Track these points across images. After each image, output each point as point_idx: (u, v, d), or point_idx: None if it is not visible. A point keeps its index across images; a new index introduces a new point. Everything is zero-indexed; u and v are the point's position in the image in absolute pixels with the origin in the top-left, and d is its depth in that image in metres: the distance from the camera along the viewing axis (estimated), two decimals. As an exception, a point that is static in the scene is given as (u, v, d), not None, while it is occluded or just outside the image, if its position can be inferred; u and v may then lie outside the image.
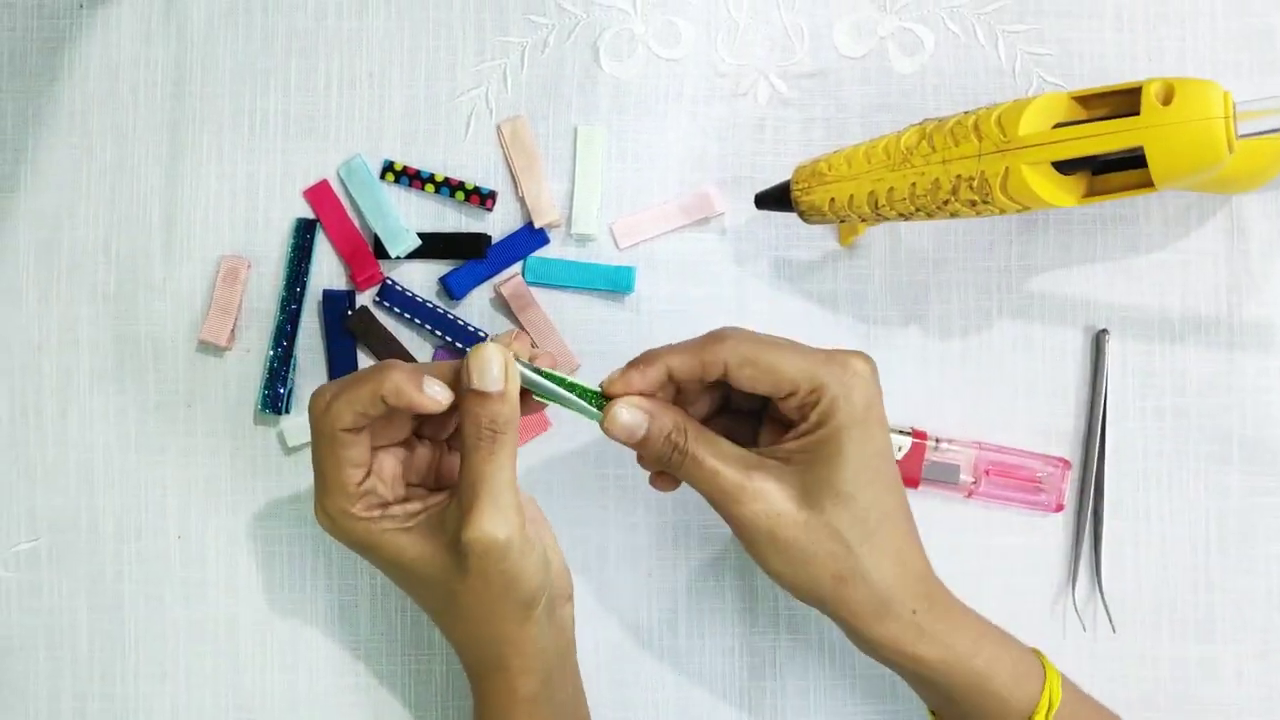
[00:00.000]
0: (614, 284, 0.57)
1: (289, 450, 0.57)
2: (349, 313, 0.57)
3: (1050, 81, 0.58)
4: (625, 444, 0.47)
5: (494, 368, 0.44)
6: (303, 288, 0.57)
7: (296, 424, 0.57)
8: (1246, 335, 0.58)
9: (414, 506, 0.47)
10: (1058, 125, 0.47)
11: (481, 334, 0.57)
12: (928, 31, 0.58)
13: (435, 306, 0.57)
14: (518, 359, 0.46)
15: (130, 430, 0.57)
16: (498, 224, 0.58)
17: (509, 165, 0.58)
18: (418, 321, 0.57)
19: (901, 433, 0.56)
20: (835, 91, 0.58)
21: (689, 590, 0.58)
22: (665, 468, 0.48)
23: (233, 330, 0.57)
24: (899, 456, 0.56)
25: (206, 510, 0.57)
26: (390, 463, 0.48)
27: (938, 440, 0.57)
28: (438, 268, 0.58)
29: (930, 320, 0.58)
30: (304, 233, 0.57)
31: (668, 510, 0.58)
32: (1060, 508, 0.57)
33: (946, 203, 0.49)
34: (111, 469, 0.57)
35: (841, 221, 0.53)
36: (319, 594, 0.57)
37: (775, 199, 0.54)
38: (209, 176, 0.57)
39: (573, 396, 0.47)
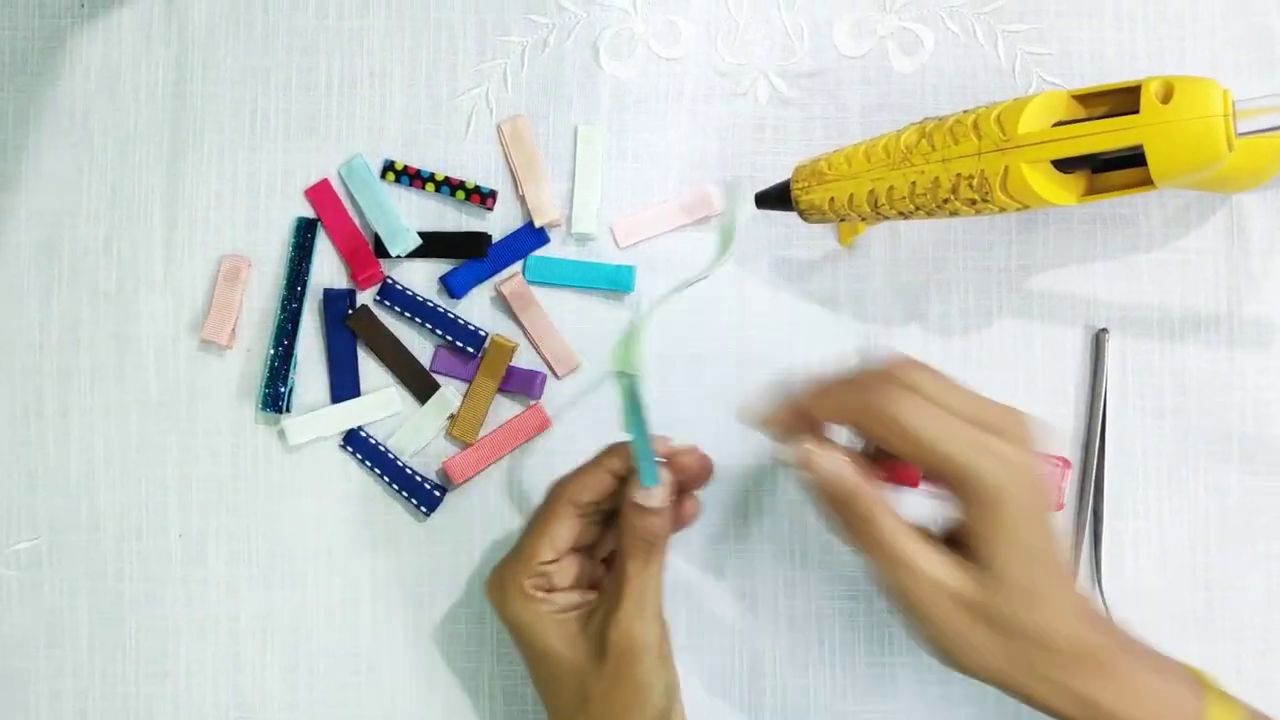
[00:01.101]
0: (614, 283, 0.57)
1: (290, 449, 0.57)
2: (350, 312, 0.57)
3: (1050, 81, 0.58)
4: (796, 469, 0.46)
5: (661, 488, 0.48)
6: (303, 287, 0.57)
7: (297, 423, 0.57)
8: (1246, 334, 0.58)
9: (574, 599, 0.50)
10: (1057, 124, 0.47)
11: (482, 333, 0.57)
12: (927, 31, 0.58)
13: (436, 305, 0.57)
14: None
15: (131, 429, 0.57)
16: (498, 223, 0.58)
17: (509, 164, 0.58)
18: (418, 320, 0.57)
19: (902, 431, 0.57)
20: (835, 91, 0.58)
21: (689, 589, 0.57)
22: (831, 521, 0.47)
23: (233, 329, 0.57)
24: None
25: (207, 509, 0.57)
26: (573, 563, 0.51)
27: (938, 439, 0.57)
28: (438, 267, 0.58)
29: (930, 319, 0.58)
30: (305, 232, 0.57)
31: (668, 509, 0.58)
32: (1060, 506, 0.57)
33: (946, 201, 0.49)
34: (112, 468, 0.57)
35: (841, 220, 0.53)
36: (320, 593, 0.57)
37: (775, 198, 0.54)
38: (210, 176, 0.57)
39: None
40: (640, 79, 0.58)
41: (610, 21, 0.58)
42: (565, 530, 0.50)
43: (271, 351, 0.57)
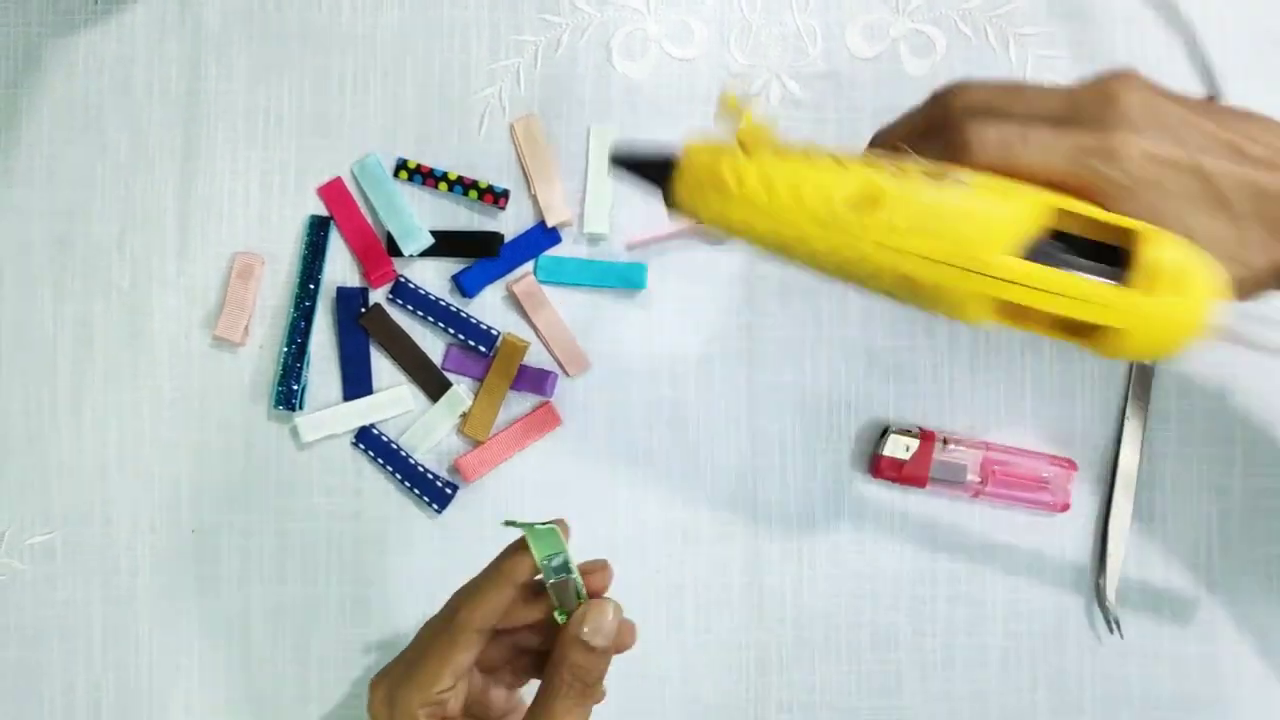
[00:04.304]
0: (626, 281, 0.58)
1: (302, 446, 0.57)
2: (362, 310, 0.57)
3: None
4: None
5: (609, 627, 0.44)
6: (316, 285, 0.57)
7: (310, 420, 0.57)
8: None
9: None
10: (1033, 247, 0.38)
11: (494, 332, 0.57)
12: (939, 33, 0.58)
13: (448, 304, 0.57)
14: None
15: (144, 425, 0.58)
16: (510, 222, 0.58)
17: (521, 164, 0.58)
18: (430, 319, 0.57)
19: (909, 433, 0.57)
20: (847, 93, 0.58)
21: (696, 586, 0.58)
22: None
23: (246, 327, 0.57)
24: (907, 456, 0.57)
25: (220, 505, 0.58)
26: (463, 684, 0.46)
27: (945, 440, 0.57)
28: (450, 265, 0.58)
29: (938, 320, 0.58)
30: (318, 230, 0.57)
31: (677, 508, 0.58)
32: (1066, 508, 0.58)
33: (869, 278, 0.40)
34: (125, 463, 0.57)
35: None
36: (331, 588, 0.58)
37: (642, 170, 0.41)
38: (223, 173, 0.58)
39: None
40: (653, 79, 0.58)
41: (623, 21, 0.58)
42: (467, 656, 0.45)
43: (284, 349, 0.57)
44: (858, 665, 0.58)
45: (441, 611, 0.46)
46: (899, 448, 0.57)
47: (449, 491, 0.57)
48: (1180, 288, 0.38)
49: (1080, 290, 0.38)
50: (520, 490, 0.58)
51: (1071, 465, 0.58)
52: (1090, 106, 0.41)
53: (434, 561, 0.58)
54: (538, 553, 0.44)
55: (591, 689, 0.44)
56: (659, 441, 0.58)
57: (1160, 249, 0.38)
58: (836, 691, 0.58)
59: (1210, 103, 0.43)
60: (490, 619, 0.45)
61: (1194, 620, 0.58)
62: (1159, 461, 0.58)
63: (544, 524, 0.43)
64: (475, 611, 0.45)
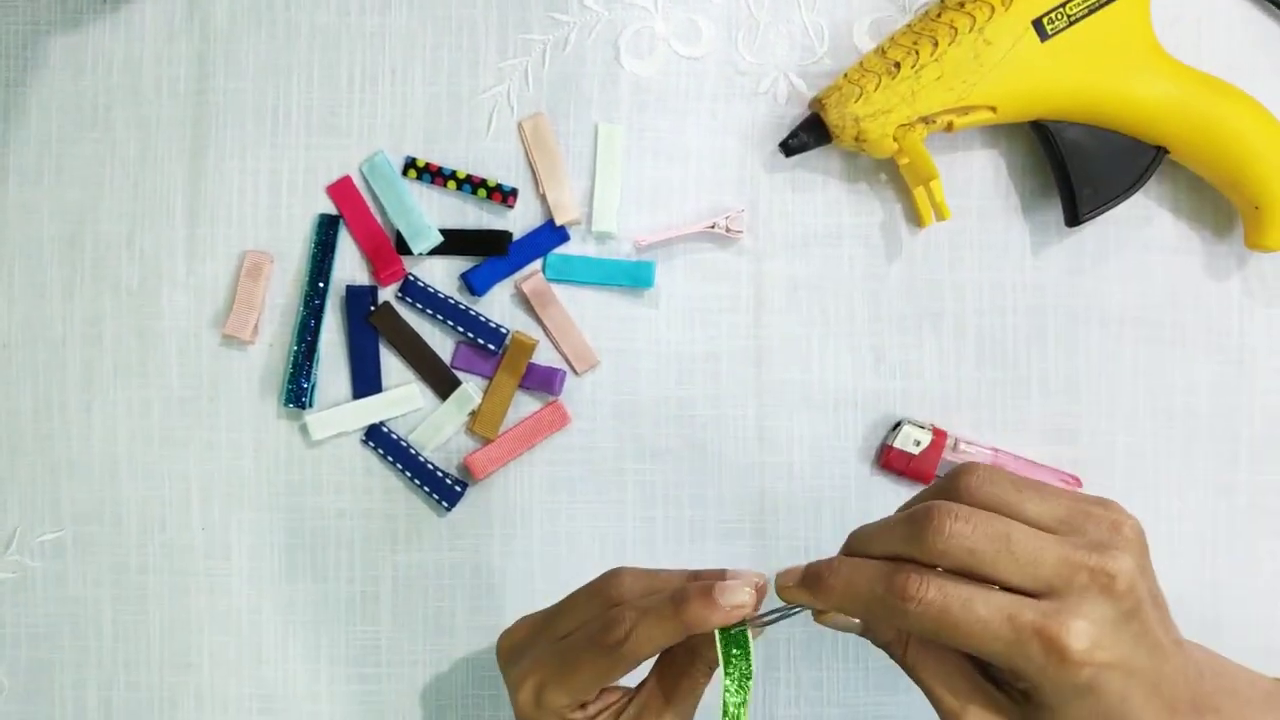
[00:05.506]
0: (634, 279, 0.58)
1: (312, 444, 0.58)
2: (372, 308, 0.57)
3: (1067, 82, 0.58)
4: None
5: (743, 598, 0.44)
6: (326, 283, 0.57)
7: (320, 418, 0.57)
8: (1257, 335, 0.59)
9: (603, 703, 0.48)
10: None
11: (503, 330, 0.57)
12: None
13: (457, 303, 0.57)
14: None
15: (154, 424, 0.58)
16: (519, 221, 0.58)
17: (530, 162, 0.58)
18: (439, 317, 0.57)
19: (922, 428, 0.57)
20: (854, 91, 0.58)
21: (705, 583, 0.58)
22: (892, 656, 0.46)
23: (256, 325, 0.57)
24: (916, 451, 0.57)
25: (230, 503, 0.58)
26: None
27: (956, 441, 0.57)
28: (459, 264, 0.58)
29: (945, 318, 0.59)
30: (327, 228, 0.57)
31: (684, 505, 0.58)
32: (1072, 504, 0.58)
33: (939, 15, 0.54)
34: (135, 462, 0.58)
35: (860, 139, 0.55)
36: (341, 585, 0.58)
37: (805, 133, 0.56)
38: (232, 172, 0.58)
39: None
40: (661, 78, 0.58)
41: (631, 20, 0.58)
42: (620, 676, 0.46)
43: (294, 347, 0.57)
44: (865, 662, 0.58)
45: (609, 622, 0.45)
46: (910, 441, 0.57)
47: (458, 489, 0.57)
48: None
49: None
50: (529, 488, 0.58)
51: (1076, 482, 0.58)
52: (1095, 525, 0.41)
53: (443, 558, 0.58)
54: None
55: (713, 671, 0.46)
56: (667, 439, 0.58)
57: None
58: (844, 688, 0.58)
59: None
60: (655, 653, 0.45)
61: (1199, 619, 0.59)
62: (1165, 459, 0.59)
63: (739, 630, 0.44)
64: (646, 647, 0.44)
